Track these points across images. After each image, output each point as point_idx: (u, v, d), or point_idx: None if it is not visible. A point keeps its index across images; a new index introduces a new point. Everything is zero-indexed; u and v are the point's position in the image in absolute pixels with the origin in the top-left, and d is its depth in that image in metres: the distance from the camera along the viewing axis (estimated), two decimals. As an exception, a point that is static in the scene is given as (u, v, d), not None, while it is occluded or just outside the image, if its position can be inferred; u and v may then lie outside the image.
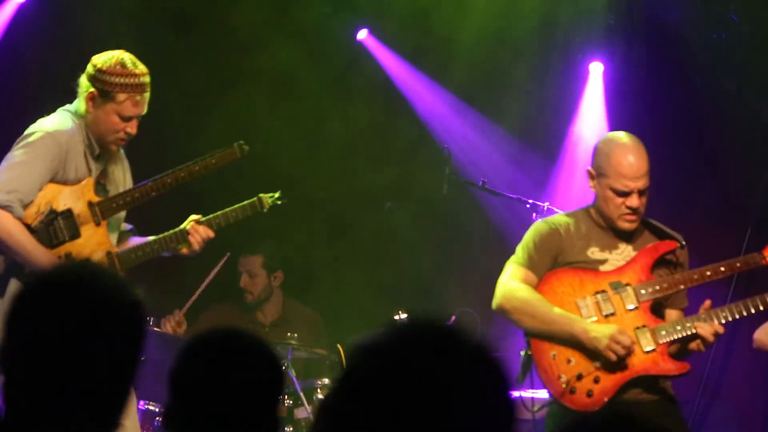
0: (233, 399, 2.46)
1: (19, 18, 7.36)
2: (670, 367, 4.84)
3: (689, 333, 4.83)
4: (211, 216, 5.10)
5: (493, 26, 7.69)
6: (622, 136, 5.02)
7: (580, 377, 4.80)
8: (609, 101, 7.82)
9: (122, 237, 5.20)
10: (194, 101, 7.39)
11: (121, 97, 4.92)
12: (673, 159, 7.12)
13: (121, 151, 5.15)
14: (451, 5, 7.77)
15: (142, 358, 2.33)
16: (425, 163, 7.72)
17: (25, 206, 4.85)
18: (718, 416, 7.23)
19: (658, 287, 4.90)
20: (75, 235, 4.94)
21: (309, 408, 6.35)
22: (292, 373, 6.40)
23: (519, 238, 5.06)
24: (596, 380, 4.79)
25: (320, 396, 6.47)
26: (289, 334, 6.78)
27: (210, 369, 2.48)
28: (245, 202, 5.14)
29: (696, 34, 7.46)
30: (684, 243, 5.02)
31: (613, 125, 7.61)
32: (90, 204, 4.97)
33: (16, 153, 4.87)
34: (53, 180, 4.91)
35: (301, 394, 6.35)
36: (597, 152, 4.98)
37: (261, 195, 5.15)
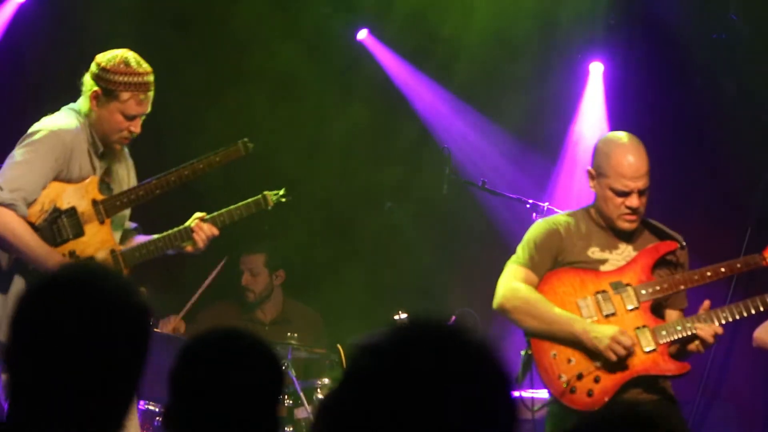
0: (233, 399, 2.46)
1: (19, 18, 7.36)
2: (670, 367, 4.84)
3: (689, 333, 4.84)
4: (215, 214, 5.10)
5: (493, 26, 7.69)
6: (621, 136, 5.02)
7: (580, 377, 4.80)
8: (609, 101, 7.82)
9: (127, 235, 5.19)
10: (194, 101, 7.39)
11: (125, 95, 4.92)
12: (673, 159, 7.12)
13: (125, 149, 5.15)
14: (452, 5, 7.77)
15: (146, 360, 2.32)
16: (425, 163, 7.72)
17: (29, 204, 4.84)
18: (718, 416, 7.23)
19: (658, 287, 4.90)
20: (79, 233, 4.94)
21: (309, 408, 6.35)
22: (292, 373, 6.40)
23: (519, 238, 5.06)
24: (597, 380, 4.79)
25: (320, 396, 6.47)
26: (288, 333, 6.78)
27: (210, 369, 2.48)
28: (250, 200, 5.13)
29: (696, 34, 7.45)
30: (684, 243, 5.02)
31: (613, 125, 7.61)
32: (94, 202, 4.97)
33: (20, 151, 4.87)
34: (57, 178, 4.90)
35: (301, 394, 6.35)
36: (597, 152, 4.99)
37: (266, 192, 5.15)
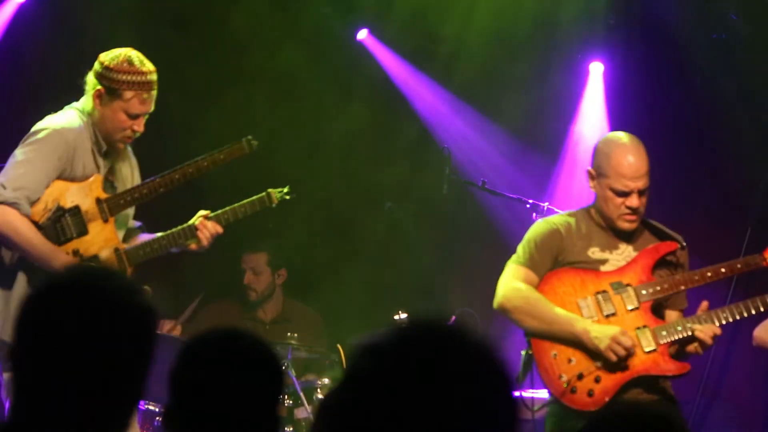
0: (233, 399, 2.46)
1: (19, 18, 7.36)
2: (670, 367, 4.84)
3: (689, 334, 4.84)
4: (219, 211, 5.09)
5: (493, 26, 7.69)
6: (621, 136, 5.02)
7: (581, 377, 4.80)
8: (609, 101, 7.82)
9: (131, 234, 5.19)
10: (194, 101, 7.39)
11: (129, 94, 4.91)
12: (673, 159, 7.12)
13: (129, 148, 5.14)
14: (452, 5, 7.77)
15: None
16: (425, 163, 7.72)
17: (33, 203, 4.84)
18: (718, 416, 7.23)
19: (659, 288, 4.90)
20: (83, 231, 4.94)
21: (309, 408, 6.35)
22: (292, 373, 6.40)
23: (519, 238, 5.06)
24: (597, 380, 4.79)
25: (320, 396, 6.47)
26: (288, 333, 6.78)
27: (210, 369, 2.48)
28: (254, 197, 5.13)
29: (696, 34, 7.45)
30: (684, 244, 5.02)
31: (613, 125, 7.61)
32: (98, 201, 4.97)
33: (23, 150, 4.87)
34: (61, 177, 4.90)
35: (301, 394, 6.35)
36: (597, 152, 4.99)
37: (270, 190, 5.14)
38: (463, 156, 7.68)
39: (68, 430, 2.18)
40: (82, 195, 4.94)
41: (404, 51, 7.93)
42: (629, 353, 4.76)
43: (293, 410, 6.43)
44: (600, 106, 7.84)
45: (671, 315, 4.99)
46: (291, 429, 6.40)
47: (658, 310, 4.96)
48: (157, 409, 6.05)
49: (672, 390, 4.95)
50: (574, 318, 4.83)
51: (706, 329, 4.80)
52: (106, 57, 4.96)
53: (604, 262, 4.95)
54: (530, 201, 6.26)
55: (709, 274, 4.92)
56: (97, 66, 4.97)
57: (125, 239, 5.13)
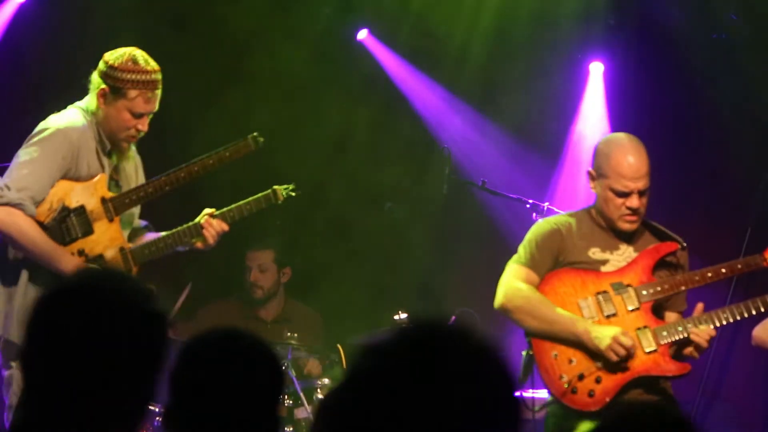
0: (233, 399, 2.46)
1: (19, 18, 7.36)
2: (671, 367, 4.84)
3: (687, 335, 4.84)
4: (225, 209, 5.08)
5: (493, 26, 7.69)
6: (622, 136, 5.03)
7: (581, 377, 4.80)
8: (609, 101, 7.82)
9: (137, 233, 5.18)
10: (194, 101, 7.38)
11: (133, 93, 4.91)
12: (673, 159, 7.12)
13: (133, 147, 5.13)
14: (452, 5, 7.76)
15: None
16: (425, 163, 7.72)
17: (37, 204, 4.84)
18: (718, 416, 7.23)
19: (659, 288, 4.90)
20: (88, 231, 4.93)
21: (309, 408, 6.35)
22: (292, 373, 6.40)
23: (519, 238, 5.06)
24: (598, 380, 4.79)
25: (320, 396, 6.47)
26: (288, 333, 6.77)
27: (210, 369, 2.48)
28: (260, 195, 5.11)
29: (696, 34, 7.45)
30: (685, 245, 5.02)
31: (613, 125, 7.61)
32: (103, 200, 4.96)
33: (27, 150, 4.86)
34: (66, 177, 4.89)
35: (301, 394, 6.35)
36: (597, 153, 4.99)
37: (275, 187, 5.13)
38: (463, 156, 7.68)
39: None
40: (87, 194, 4.93)
41: (404, 51, 7.93)
42: (629, 353, 4.76)
43: (293, 410, 6.43)
44: (600, 106, 7.84)
45: (671, 316, 4.99)
46: (291, 429, 6.40)
47: (658, 311, 4.96)
48: (157, 409, 6.05)
49: (672, 390, 4.95)
50: (575, 318, 4.83)
51: (701, 332, 4.80)
52: (111, 56, 4.95)
53: (604, 262, 4.95)
54: (530, 201, 6.26)
55: (709, 274, 4.92)
56: (101, 65, 4.96)
57: (131, 238, 5.13)
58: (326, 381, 6.55)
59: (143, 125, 4.96)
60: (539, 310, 4.84)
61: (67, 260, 4.83)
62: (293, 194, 5.15)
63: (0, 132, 6.41)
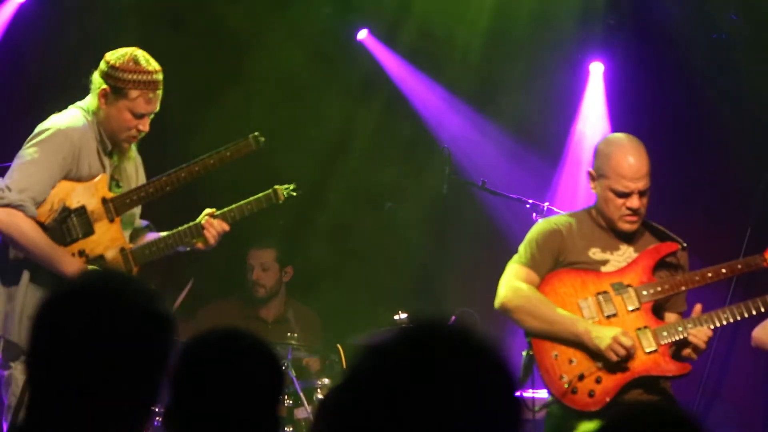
0: (233, 399, 2.46)
1: (19, 18, 7.36)
2: (671, 367, 4.84)
3: (685, 336, 4.84)
4: (226, 209, 5.07)
5: (493, 26, 7.69)
6: (622, 137, 5.03)
7: (582, 377, 4.80)
8: (609, 101, 7.82)
9: (139, 233, 5.17)
10: (193, 101, 7.38)
11: (134, 94, 4.90)
12: (673, 159, 7.12)
13: (134, 147, 5.12)
14: (452, 5, 7.77)
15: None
16: (425, 163, 7.72)
17: (38, 204, 4.83)
18: (718, 416, 7.23)
19: (659, 288, 4.90)
20: (89, 232, 4.93)
21: (309, 408, 6.34)
22: (292, 373, 6.40)
23: (519, 238, 5.06)
24: (598, 380, 4.79)
25: (320, 396, 6.47)
26: (288, 333, 6.77)
27: (210, 369, 2.48)
28: (260, 194, 5.11)
29: (696, 34, 7.45)
30: (685, 245, 5.02)
31: (613, 125, 7.62)
32: (104, 200, 4.96)
33: (28, 151, 4.85)
34: (67, 177, 4.88)
35: (301, 394, 6.35)
36: (597, 153, 4.99)
37: (276, 187, 5.12)
38: (463, 156, 7.68)
39: None
40: (87, 195, 4.93)
41: (404, 51, 7.93)
42: (629, 354, 4.76)
43: (293, 410, 6.43)
44: (600, 106, 7.84)
45: (670, 317, 4.99)
46: (291, 429, 6.40)
47: (658, 311, 4.96)
48: (157, 409, 6.05)
49: (671, 390, 4.95)
50: (575, 318, 4.83)
51: (699, 333, 4.80)
52: (112, 56, 4.94)
53: (604, 262, 4.95)
54: (530, 201, 6.26)
55: (709, 274, 4.92)
56: (102, 65, 4.95)
57: (132, 238, 5.12)
58: (326, 381, 6.55)
59: (144, 125, 4.96)
60: (540, 310, 4.84)
61: (68, 261, 4.82)
62: (294, 194, 5.14)
63: (0, 132, 6.41)
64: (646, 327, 4.85)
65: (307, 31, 7.77)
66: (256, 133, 5.07)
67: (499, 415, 1.75)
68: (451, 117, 7.94)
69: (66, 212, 4.88)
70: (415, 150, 7.90)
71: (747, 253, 5.38)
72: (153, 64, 4.95)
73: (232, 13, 7.57)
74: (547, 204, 6.22)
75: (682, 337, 4.83)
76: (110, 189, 4.99)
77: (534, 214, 6.10)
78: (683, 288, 4.94)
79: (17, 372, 4.75)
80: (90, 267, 4.88)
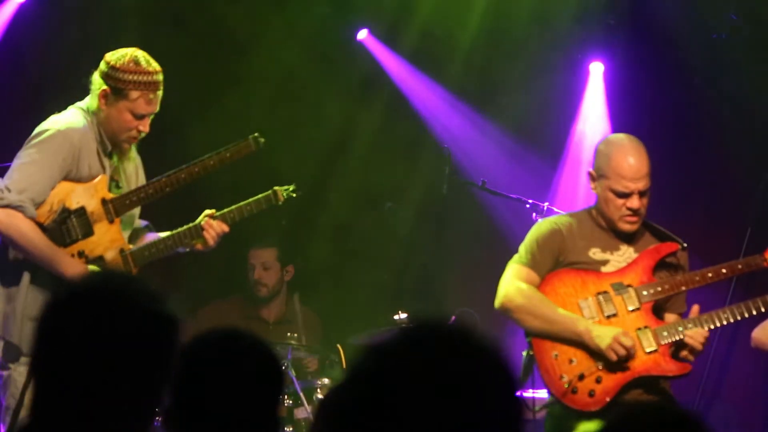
0: (233, 399, 2.46)
1: (19, 18, 7.36)
2: (671, 367, 4.84)
3: (681, 337, 4.84)
4: (225, 210, 5.07)
5: (492, 26, 7.69)
6: (622, 137, 5.03)
7: (582, 377, 4.80)
8: (609, 101, 7.82)
9: (138, 233, 5.16)
10: (194, 101, 7.38)
11: (135, 94, 4.89)
12: (673, 159, 7.12)
13: (133, 147, 5.11)
14: (452, 5, 7.76)
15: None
16: (425, 163, 7.72)
17: (38, 205, 4.82)
18: (718, 416, 7.23)
19: (659, 288, 4.90)
20: (88, 232, 4.92)
21: (309, 408, 6.34)
22: (292, 373, 6.40)
23: (519, 238, 5.06)
24: (598, 380, 4.79)
25: (320, 396, 6.47)
26: (289, 334, 6.77)
27: (210, 369, 2.48)
28: (260, 195, 5.10)
29: (696, 34, 7.45)
30: (685, 245, 5.02)
31: (613, 125, 7.62)
32: (104, 201, 4.94)
33: (28, 152, 4.84)
34: (67, 178, 4.87)
35: (301, 394, 6.35)
36: (597, 154, 4.99)
37: (276, 188, 5.11)
38: (463, 156, 7.68)
39: None
40: (87, 196, 4.92)
41: (404, 51, 7.93)
42: (630, 354, 4.76)
43: (293, 410, 6.43)
44: (600, 106, 7.84)
45: (670, 318, 4.99)
46: (291, 429, 6.40)
47: (658, 311, 4.96)
48: (157, 409, 6.04)
49: (671, 391, 4.95)
50: (576, 318, 4.83)
51: (695, 335, 4.80)
52: (113, 57, 4.93)
53: (605, 263, 4.95)
54: (530, 201, 6.26)
55: (710, 274, 4.92)
56: (102, 66, 4.93)
57: (131, 239, 5.11)
58: (326, 381, 6.55)
59: (144, 126, 4.95)
60: (540, 310, 4.84)
61: (67, 262, 4.81)
62: (294, 195, 5.14)
63: (0, 132, 6.40)
64: (646, 327, 4.85)
65: (307, 31, 7.77)
66: (255, 134, 5.06)
67: (500, 415, 1.75)
68: (451, 117, 7.94)
69: (66, 213, 4.87)
70: (415, 150, 7.90)
71: (747, 253, 5.38)
72: (153, 65, 4.94)
73: (232, 13, 7.57)
74: (547, 204, 6.22)
75: (681, 337, 4.83)
76: (110, 190, 4.98)
77: (534, 214, 6.10)
78: (683, 288, 4.94)
79: (16, 374, 4.74)
80: (91, 267, 4.88)
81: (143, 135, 4.98)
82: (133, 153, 5.12)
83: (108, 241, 4.96)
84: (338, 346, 6.67)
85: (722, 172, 7.47)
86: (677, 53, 7.49)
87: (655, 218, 5.10)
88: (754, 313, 4.86)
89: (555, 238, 4.95)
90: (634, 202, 4.87)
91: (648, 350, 4.82)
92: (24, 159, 4.83)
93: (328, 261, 7.81)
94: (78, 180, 4.90)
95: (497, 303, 4.92)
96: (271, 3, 7.69)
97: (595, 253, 4.95)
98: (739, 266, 4.97)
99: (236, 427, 2.46)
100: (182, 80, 7.13)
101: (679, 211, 6.73)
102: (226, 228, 5.04)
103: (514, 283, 4.89)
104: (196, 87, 7.37)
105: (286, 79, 7.68)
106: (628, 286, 4.90)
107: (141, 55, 4.94)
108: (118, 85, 4.89)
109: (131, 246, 5.04)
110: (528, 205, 6.25)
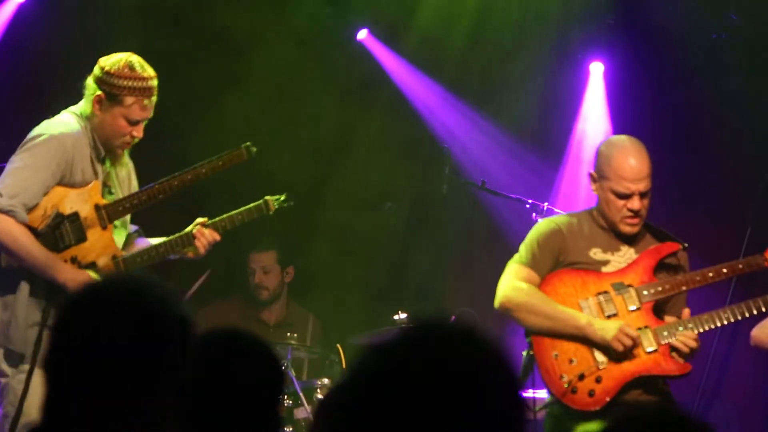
0: (234, 399, 2.46)
1: (19, 18, 7.36)
2: (671, 367, 4.84)
3: (674, 339, 4.85)
4: (217, 219, 5.05)
5: (492, 26, 7.69)
6: (623, 139, 5.03)
7: (582, 377, 4.80)
8: (609, 101, 7.82)
9: (128, 239, 5.14)
10: (192, 103, 7.38)
11: (129, 100, 4.86)
12: (674, 159, 7.12)
13: (126, 153, 5.09)
14: (452, 5, 7.76)
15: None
16: (425, 163, 7.72)
17: (30, 210, 4.78)
18: (718, 416, 7.23)
19: (660, 288, 4.90)
20: (81, 238, 4.89)
21: (309, 408, 6.35)
22: (292, 373, 6.40)
23: (519, 238, 5.06)
24: (598, 380, 4.79)
25: (320, 396, 6.47)
26: (289, 334, 6.77)
27: (210, 369, 2.48)
28: (251, 205, 5.08)
29: (696, 34, 7.45)
30: (686, 245, 5.02)
31: (614, 125, 7.61)
32: (97, 207, 4.92)
33: (21, 156, 4.81)
34: (60, 183, 4.84)
35: (301, 394, 6.35)
36: (598, 155, 4.99)
37: (267, 197, 5.08)
38: (463, 156, 7.68)
39: None
40: (81, 201, 4.89)
41: (404, 51, 7.93)
42: (635, 344, 4.76)
43: (293, 410, 6.43)
44: (600, 106, 7.84)
45: (669, 320, 4.99)
46: (291, 429, 6.40)
47: (659, 311, 4.96)
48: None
49: (672, 390, 4.95)
50: (576, 313, 4.83)
51: (683, 338, 4.80)
52: (107, 62, 4.89)
53: (605, 263, 4.95)
54: (530, 201, 6.26)
55: (710, 274, 4.92)
56: (97, 71, 4.90)
57: (123, 244, 5.09)
58: (326, 381, 6.56)
59: (138, 132, 4.92)
60: (540, 307, 4.84)
61: (60, 268, 4.78)
62: (285, 205, 5.11)
63: (0, 132, 6.40)
64: (646, 327, 4.85)
65: (306, 31, 7.76)
66: (248, 143, 5.04)
67: (501, 416, 1.75)
68: (450, 117, 7.94)
69: (59, 218, 4.83)
70: (415, 150, 7.90)
71: (747, 253, 5.37)
72: (148, 71, 4.91)
73: (232, 13, 7.56)
74: (547, 204, 6.22)
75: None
76: (102, 195, 4.96)
77: (534, 214, 6.10)
78: (684, 288, 4.94)
79: (15, 381, 4.71)
80: (88, 272, 4.85)
81: (137, 140, 4.96)
82: (126, 158, 5.09)
83: (101, 247, 4.93)
84: (338, 346, 6.66)
85: (722, 172, 7.46)
86: (677, 53, 7.49)
87: (655, 218, 5.10)
88: (755, 312, 4.86)
89: (555, 238, 4.95)
90: (635, 204, 4.87)
91: (648, 350, 4.82)
92: (17, 163, 4.80)
93: (328, 261, 7.81)
94: (71, 185, 4.87)
95: (497, 303, 4.92)
96: (270, 3, 7.68)
97: (596, 254, 4.95)
98: (740, 266, 4.97)
99: (237, 427, 2.46)
100: (182, 80, 7.13)
101: (679, 211, 6.73)
102: (217, 237, 5.02)
103: (513, 283, 4.89)
104: (195, 87, 7.37)
105: (286, 79, 7.68)
106: (629, 286, 4.90)
107: (136, 60, 4.90)
108: (112, 91, 4.85)
109: (123, 252, 5.02)
110: (528, 205, 6.25)
